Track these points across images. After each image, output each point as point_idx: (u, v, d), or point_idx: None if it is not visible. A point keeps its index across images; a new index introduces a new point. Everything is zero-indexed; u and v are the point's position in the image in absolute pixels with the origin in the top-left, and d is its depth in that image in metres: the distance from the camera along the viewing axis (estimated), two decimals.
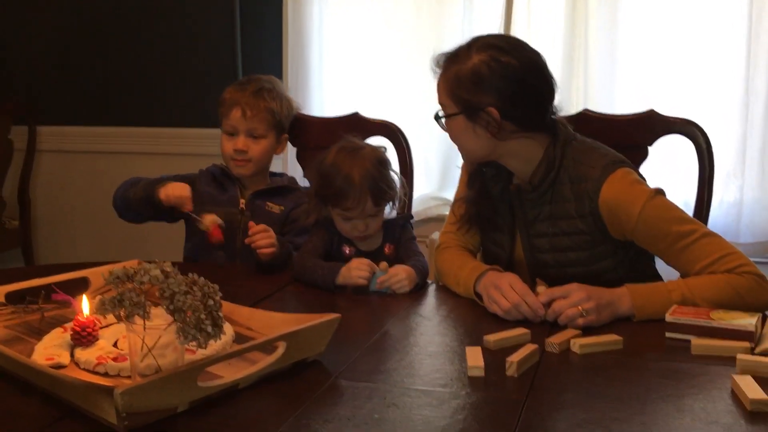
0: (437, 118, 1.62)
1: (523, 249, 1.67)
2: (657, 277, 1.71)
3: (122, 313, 1.09)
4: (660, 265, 1.65)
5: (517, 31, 2.68)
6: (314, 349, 1.25)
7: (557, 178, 1.60)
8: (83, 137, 3.41)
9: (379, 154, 1.75)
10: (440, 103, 1.61)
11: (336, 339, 1.28)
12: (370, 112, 2.22)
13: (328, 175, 1.71)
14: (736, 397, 1.11)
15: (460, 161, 1.78)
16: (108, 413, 1.01)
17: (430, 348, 1.35)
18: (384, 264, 1.66)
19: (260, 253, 1.78)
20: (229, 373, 1.15)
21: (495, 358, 1.25)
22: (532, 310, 1.44)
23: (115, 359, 1.22)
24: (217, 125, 2.08)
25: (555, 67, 1.62)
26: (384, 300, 1.63)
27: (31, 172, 3.45)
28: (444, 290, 1.69)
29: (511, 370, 1.21)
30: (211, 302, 1.08)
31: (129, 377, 1.17)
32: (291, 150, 2.24)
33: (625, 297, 1.45)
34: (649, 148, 1.89)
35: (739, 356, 1.21)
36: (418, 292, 1.68)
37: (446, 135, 1.65)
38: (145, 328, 1.09)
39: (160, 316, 1.10)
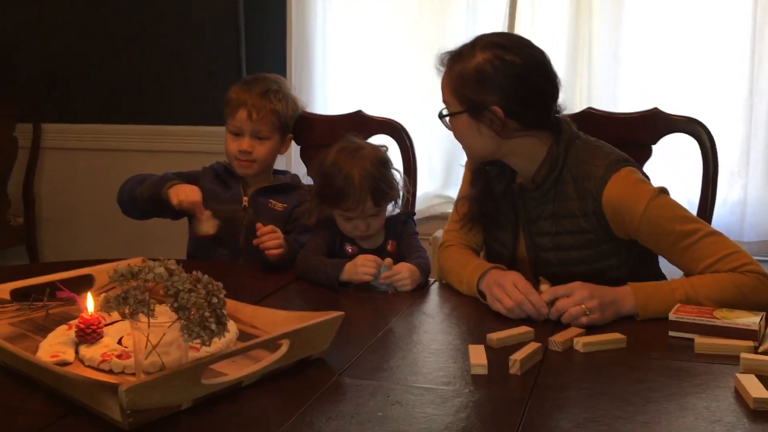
0: (441, 116, 1.62)
1: (526, 247, 1.67)
2: (660, 275, 1.71)
3: (127, 311, 1.09)
4: (663, 263, 1.65)
5: (521, 30, 2.67)
6: (318, 347, 1.26)
7: (560, 177, 1.60)
8: (88, 135, 3.41)
9: (379, 153, 1.75)
10: (444, 101, 1.61)
11: (339, 337, 1.28)
12: (373, 110, 2.22)
13: (328, 175, 1.71)
14: (740, 395, 1.11)
15: (463, 159, 1.78)
16: (112, 410, 1.02)
17: (433, 346, 1.35)
18: (389, 260, 1.66)
19: (268, 254, 1.79)
20: (232, 371, 1.15)
21: (498, 356, 1.25)
22: (536, 308, 1.44)
23: (119, 356, 1.22)
24: (220, 123, 2.08)
25: (559, 65, 1.62)
26: (387, 298, 1.63)
27: (35, 170, 3.46)
28: (447, 288, 1.69)
29: (514, 369, 1.21)
30: (215, 300, 1.08)
31: (133, 374, 1.18)
32: (294, 148, 2.24)
33: (628, 296, 1.45)
34: (653, 147, 1.89)
35: (743, 355, 1.21)
36: (420, 290, 1.68)
37: (450, 133, 1.65)
38: (149, 326, 1.09)
39: (164, 314, 1.10)
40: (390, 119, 2.17)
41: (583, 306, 1.40)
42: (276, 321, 1.35)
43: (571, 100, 2.55)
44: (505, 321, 1.45)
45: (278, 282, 1.73)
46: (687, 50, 2.59)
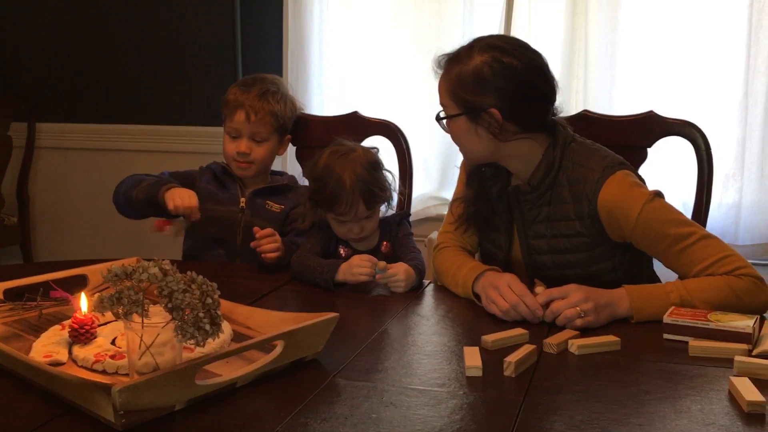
0: (439, 119, 1.62)
1: (521, 250, 1.67)
2: (655, 278, 1.71)
3: (120, 311, 1.09)
4: (658, 266, 1.66)
5: (518, 32, 2.68)
6: (312, 348, 1.25)
7: (556, 180, 1.60)
8: (82, 134, 3.41)
9: (370, 156, 1.75)
10: (441, 104, 1.61)
11: (334, 338, 1.28)
12: (369, 112, 2.22)
13: (320, 180, 1.71)
14: (734, 398, 1.11)
15: (459, 161, 1.78)
16: (106, 411, 1.01)
17: (428, 348, 1.35)
18: (383, 263, 1.65)
19: (265, 257, 1.78)
20: (227, 372, 1.15)
21: (493, 358, 1.25)
22: (531, 310, 1.44)
23: (113, 357, 1.22)
24: (216, 123, 2.08)
25: (555, 68, 1.62)
26: (382, 299, 1.63)
27: (30, 169, 3.45)
28: (442, 290, 1.69)
29: (508, 371, 1.21)
30: (209, 300, 1.08)
31: (127, 375, 1.17)
32: (291, 149, 2.23)
33: (623, 298, 1.45)
34: (649, 150, 1.89)
35: (737, 358, 1.21)
36: (415, 291, 1.68)
37: (446, 135, 1.65)
38: (143, 326, 1.09)
39: (158, 314, 1.10)
40: (386, 121, 2.17)
41: (578, 308, 1.40)
42: (271, 322, 1.35)
43: (567, 102, 2.55)
44: (499, 323, 1.45)
45: (273, 283, 1.73)
46: (682, 53, 2.60)
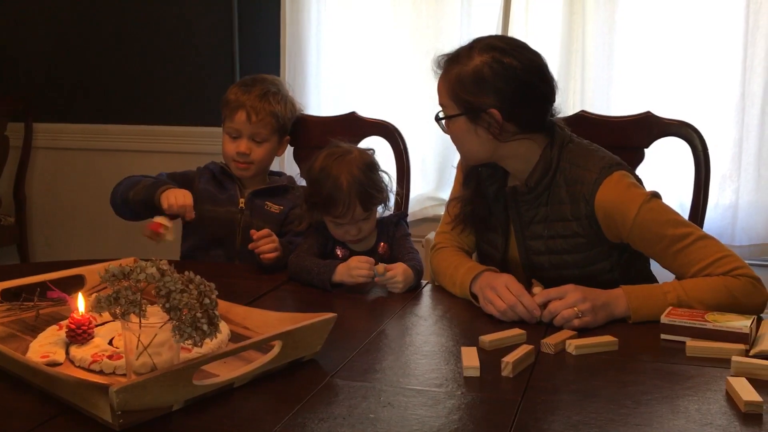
0: (438, 119, 1.62)
1: (518, 251, 1.67)
2: (652, 279, 1.71)
3: (118, 311, 1.09)
4: (655, 267, 1.66)
5: (515, 33, 2.68)
6: (310, 349, 1.25)
7: (553, 180, 1.60)
8: (79, 134, 3.40)
9: (366, 157, 1.75)
10: (441, 104, 1.61)
11: (332, 338, 1.28)
12: (367, 112, 2.22)
13: (316, 182, 1.71)
14: (731, 398, 1.11)
15: (456, 161, 1.78)
16: (103, 411, 1.01)
17: (425, 348, 1.35)
18: (381, 267, 1.65)
19: (264, 258, 1.78)
20: (224, 372, 1.15)
21: (490, 358, 1.25)
22: (528, 310, 1.44)
23: (110, 357, 1.22)
24: (213, 123, 2.08)
25: (552, 68, 1.62)
26: (380, 300, 1.63)
27: (26, 169, 3.45)
28: (440, 290, 1.69)
29: (506, 371, 1.21)
30: (207, 301, 1.08)
31: (124, 375, 1.17)
32: (288, 149, 2.23)
33: (620, 298, 1.45)
34: (646, 151, 1.90)
35: (734, 358, 1.21)
36: (413, 291, 1.68)
37: (443, 135, 1.65)
38: (140, 326, 1.09)
39: (155, 315, 1.10)
40: (383, 121, 2.17)
41: (575, 309, 1.41)
42: (268, 322, 1.35)
43: (565, 103, 2.56)
44: (497, 323, 1.45)
45: (271, 283, 1.73)
46: (680, 54, 2.60)
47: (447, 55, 1.60)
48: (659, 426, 1.04)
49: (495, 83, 1.52)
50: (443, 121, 1.62)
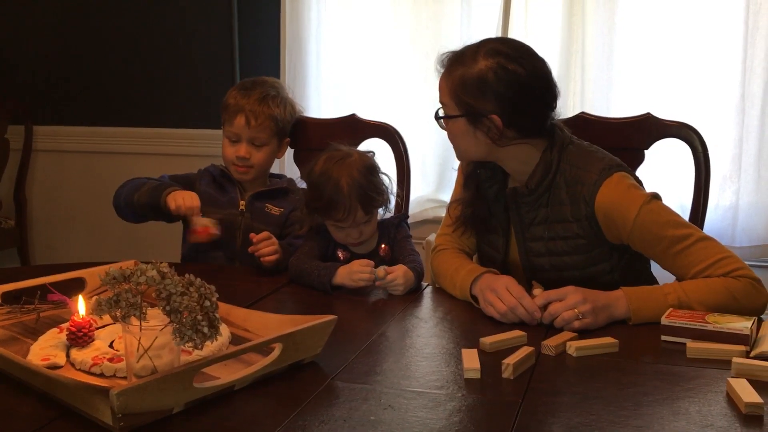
0: (438, 117, 1.62)
1: (518, 252, 1.67)
2: (652, 280, 1.71)
3: (118, 314, 1.09)
4: (655, 268, 1.66)
5: (515, 35, 2.68)
6: (310, 351, 1.25)
7: (554, 182, 1.60)
8: (80, 137, 3.40)
9: (366, 160, 1.74)
10: (441, 102, 1.60)
11: (332, 341, 1.28)
12: (367, 114, 2.22)
13: (316, 186, 1.71)
14: (732, 400, 1.11)
15: (456, 163, 1.78)
16: (104, 414, 1.01)
17: (426, 350, 1.35)
18: (381, 271, 1.65)
19: (264, 261, 1.78)
20: (225, 375, 1.15)
21: (491, 360, 1.25)
22: (528, 312, 1.44)
23: (111, 360, 1.22)
24: (213, 126, 2.07)
25: (552, 70, 1.62)
26: (380, 302, 1.63)
27: (27, 172, 3.45)
28: (440, 292, 1.69)
29: (507, 373, 1.21)
30: (207, 303, 1.08)
31: (125, 378, 1.17)
32: (288, 151, 2.23)
33: (621, 300, 1.45)
34: (646, 152, 1.90)
35: (735, 359, 1.21)
36: (414, 293, 1.68)
37: (443, 137, 1.65)
38: (141, 329, 1.09)
39: (156, 317, 1.10)
40: (384, 123, 2.17)
41: (576, 310, 1.41)
42: (268, 324, 1.35)
43: (564, 104, 2.56)
44: (498, 325, 1.45)
45: (271, 285, 1.73)
46: (680, 55, 2.60)
47: (452, 53, 1.59)
48: (660, 427, 1.04)
49: (498, 89, 1.52)
50: (442, 120, 1.61)
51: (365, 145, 2.08)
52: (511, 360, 1.22)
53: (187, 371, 1.07)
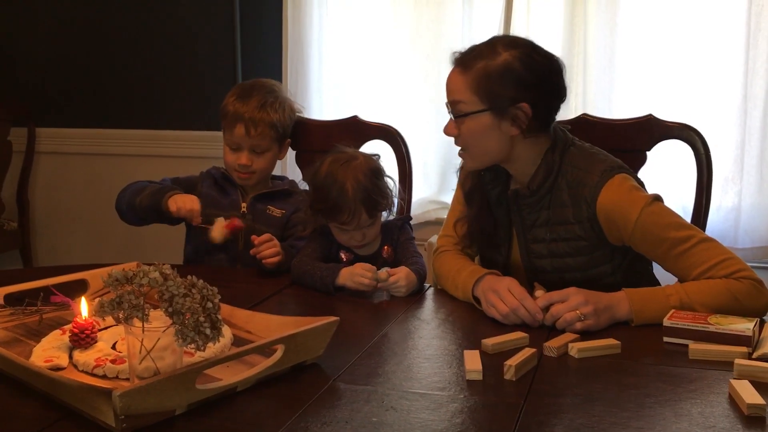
0: (458, 116, 1.57)
1: (520, 254, 1.67)
2: (654, 282, 1.71)
3: (121, 316, 1.09)
4: (657, 270, 1.66)
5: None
6: (313, 352, 1.25)
7: (555, 184, 1.60)
8: (82, 139, 3.41)
9: (372, 163, 1.74)
10: (456, 100, 1.57)
11: (334, 342, 1.28)
12: (368, 115, 2.22)
13: (321, 189, 1.71)
14: (734, 401, 1.11)
15: (458, 164, 1.77)
16: (106, 415, 1.01)
17: (428, 351, 1.35)
18: (384, 273, 1.65)
19: (266, 263, 1.79)
20: (227, 376, 1.15)
21: (493, 361, 1.25)
22: (531, 314, 1.44)
23: (113, 361, 1.22)
24: (215, 128, 2.07)
25: None
26: (383, 303, 1.63)
27: (30, 174, 3.45)
28: (442, 294, 1.69)
29: (509, 374, 1.21)
30: (209, 305, 1.08)
31: (127, 379, 1.17)
32: (290, 153, 2.24)
33: (623, 301, 1.45)
34: (648, 153, 1.90)
35: (737, 361, 1.21)
36: (416, 295, 1.68)
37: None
38: (143, 331, 1.09)
39: (158, 319, 1.10)
40: (385, 125, 2.17)
41: (578, 311, 1.40)
42: (271, 326, 1.35)
43: (566, 106, 2.53)
44: (500, 327, 1.45)
45: (273, 287, 1.73)
46: (681, 56, 2.60)
47: (466, 51, 1.58)
48: (662, 429, 1.04)
49: (525, 77, 1.52)
50: (453, 120, 1.58)
51: (367, 147, 2.08)
52: (513, 361, 1.22)
53: (190, 373, 1.07)
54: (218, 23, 3.15)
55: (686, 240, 1.50)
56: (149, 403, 1.02)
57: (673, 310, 1.40)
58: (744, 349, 1.28)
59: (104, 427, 1.03)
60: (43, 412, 1.09)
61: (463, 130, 1.58)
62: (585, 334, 1.39)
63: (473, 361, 1.24)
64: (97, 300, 1.12)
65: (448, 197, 2.66)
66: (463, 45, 1.61)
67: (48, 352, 1.27)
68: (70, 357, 1.26)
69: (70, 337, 1.29)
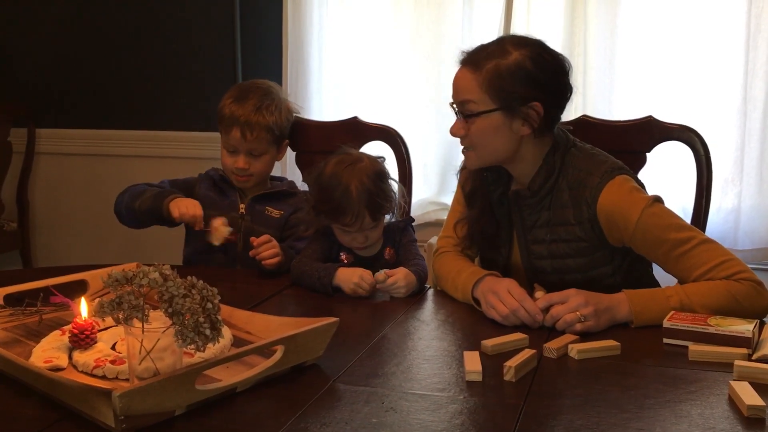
0: (468, 116, 1.56)
1: (520, 255, 1.67)
2: (654, 283, 1.71)
3: (121, 316, 1.09)
4: (657, 271, 1.66)
5: None
6: (312, 353, 1.25)
7: (556, 185, 1.60)
8: (82, 140, 3.41)
9: (377, 166, 1.73)
10: (469, 100, 1.55)
11: (334, 343, 1.28)
12: (368, 116, 2.22)
13: (325, 190, 1.70)
14: (734, 403, 1.11)
15: (458, 165, 1.77)
16: (106, 416, 1.01)
17: (428, 352, 1.35)
18: (382, 275, 1.64)
19: (265, 264, 1.78)
20: (227, 377, 1.15)
21: (493, 362, 1.25)
22: (530, 315, 1.44)
23: (113, 362, 1.22)
24: (215, 129, 2.07)
25: None
26: (382, 304, 1.63)
27: (29, 175, 3.45)
28: (442, 295, 1.69)
29: (508, 375, 1.21)
30: (209, 305, 1.08)
31: (127, 380, 1.17)
32: (290, 154, 2.24)
33: (623, 303, 1.45)
34: (648, 155, 1.90)
35: (737, 362, 1.21)
36: (416, 296, 1.68)
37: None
38: (143, 331, 1.09)
39: (158, 319, 1.10)
40: (385, 126, 2.17)
41: (578, 313, 1.40)
42: (270, 327, 1.35)
43: (566, 107, 2.56)
44: (499, 328, 1.45)
45: (273, 288, 1.73)
46: (681, 58, 2.60)
47: (473, 51, 1.57)
48: (662, 430, 1.04)
49: (537, 76, 1.52)
50: (460, 120, 1.57)
51: (367, 148, 2.08)
52: (512, 362, 1.22)
53: (189, 373, 1.07)
54: (218, 23, 3.15)
55: (687, 241, 1.50)
56: (149, 403, 1.02)
57: (673, 312, 1.40)
58: (744, 351, 1.28)
59: (104, 428, 1.03)
60: (42, 413, 1.09)
61: (472, 129, 1.57)
62: (585, 336, 1.39)
63: (473, 362, 1.24)
64: (96, 300, 1.12)
65: (448, 198, 2.67)
66: (464, 45, 1.61)
67: (48, 353, 1.27)
68: (70, 357, 1.26)
69: (69, 337, 1.29)
